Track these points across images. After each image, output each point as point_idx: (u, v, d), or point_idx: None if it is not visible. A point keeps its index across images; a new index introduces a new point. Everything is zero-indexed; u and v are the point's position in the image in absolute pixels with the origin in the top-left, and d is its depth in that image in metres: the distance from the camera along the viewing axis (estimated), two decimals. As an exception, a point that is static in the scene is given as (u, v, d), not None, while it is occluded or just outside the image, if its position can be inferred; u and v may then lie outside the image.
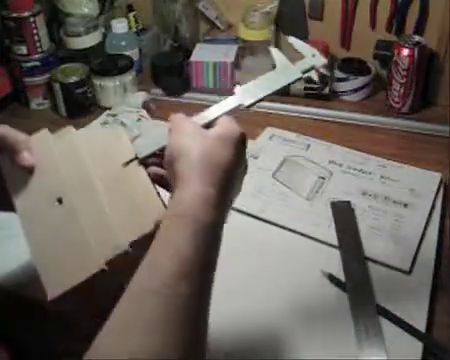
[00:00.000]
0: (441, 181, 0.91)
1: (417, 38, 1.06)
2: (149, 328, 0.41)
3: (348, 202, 0.87)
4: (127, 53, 1.18)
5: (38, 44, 1.12)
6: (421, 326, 0.69)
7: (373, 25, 1.14)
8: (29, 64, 1.12)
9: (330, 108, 1.12)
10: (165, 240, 0.46)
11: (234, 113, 0.57)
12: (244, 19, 1.17)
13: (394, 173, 0.93)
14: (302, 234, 0.82)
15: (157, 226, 0.50)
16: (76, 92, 1.11)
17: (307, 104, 1.12)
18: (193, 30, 1.27)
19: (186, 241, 0.45)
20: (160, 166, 0.54)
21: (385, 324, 0.69)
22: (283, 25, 1.21)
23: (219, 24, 1.26)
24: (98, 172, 0.54)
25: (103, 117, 1.06)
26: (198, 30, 1.29)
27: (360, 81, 1.13)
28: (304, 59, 0.63)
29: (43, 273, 0.50)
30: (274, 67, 0.62)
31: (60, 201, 0.53)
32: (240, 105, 0.58)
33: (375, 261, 0.78)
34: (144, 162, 0.55)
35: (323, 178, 0.92)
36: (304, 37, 1.17)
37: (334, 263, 0.77)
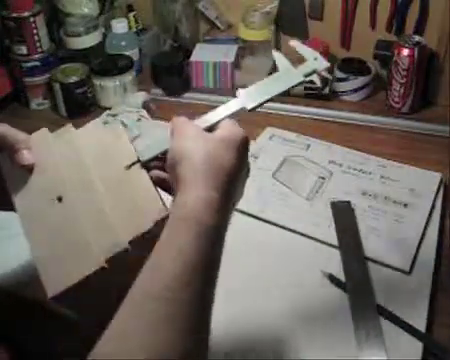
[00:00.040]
0: (441, 181, 0.91)
1: (417, 38, 1.06)
2: (150, 329, 0.41)
3: (348, 202, 0.87)
4: (127, 53, 1.18)
5: (38, 44, 1.12)
6: (421, 326, 0.69)
7: (373, 25, 1.14)
8: (29, 64, 1.12)
9: (330, 108, 1.12)
10: (168, 243, 0.46)
11: (237, 116, 0.57)
12: (244, 19, 1.17)
13: (394, 173, 0.93)
14: (302, 234, 0.83)
15: (156, 225, 0.50)
16: (76, 92, 1.11)
17: (307, 104, 1.12)
18: (193, 30, 1.27)
19: (189, 244, 0.45)
20: (162, 169, 0.54)
21: (385, 324, 0.69)
22: (283, 25, 1.21)
23: (219, 24, 1.26)
24: (98, 171, 0.54)
25: (103, 117, 1.06)
26: (198, 30, 1.29)
27: (360, 81, 1.13)
28: (306, 62, 0.63)
29: (43, 271, 0.50)
30: (274, 68, 0.62)
31: (60, 199, 0.53)
32: (242, 108, 0.58)
33: (375, 261, 0.78)
34: (146, 165, 0.55)
35: (323, 178, 0.92)
36: (304, 37, 1.17)
37: (334, 263, 0.77)
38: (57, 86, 1.10)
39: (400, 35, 1.11)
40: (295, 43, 0.66)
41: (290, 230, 0.83)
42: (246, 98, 0.58)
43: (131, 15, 1.26)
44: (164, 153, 0.54)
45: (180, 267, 0.44)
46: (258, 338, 0.68)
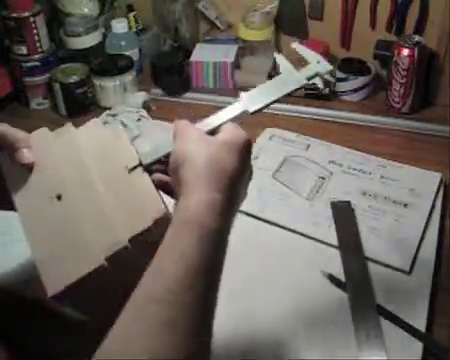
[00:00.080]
0: (441, 181, 0.91)
1: (417, 38, 1.06)
2: (153, 332, 0.41)
3: (348, 202, 0.87)
4: (127, 53, 1.18)
5: (38, 44, 1.11)
6: (421, 326, 0.69)
7: (373, 25, 1.14)
8: (29, 64, 1.12)
9: (330, 108, 1.12)
10: (170, 246, 0.46)
11: (239, 119, 0.57)
12: (244, 19, 1.17)
13: (394, 173, 0.93)
14: (302, 234, 0.82)
15: (156, 224, 0.50)
16: (76, 92, 1.11)
17: (307, 104, 1.12)
18: (193, 30, 1.27)
19: (191, 247, 0.45)
20: (164, 173, 0.54)
21: (385, 324, 0.69)
22: (283, 25, 1.21)
23: (219, 24, 1.26)
24: (98, 171, 0.55)
25: (103, 117, 1.06)
26: (198, 30, 1.29)
27: (360, 81, 1.13)
28: (309, 65, 0.62)
29: (43, 270, 0.50)
30: (274, 68, 0.62)
31: (59, 198, 0.53)
32: (245, 111, 0.58)
33: (375, 261, 0.78)
34: (148, 169, 0.55)
35: (323, 178, 0.92)
36: (304, 37, 1.17)
37: (334, 263, 0.77)
38: (57, 86, 1.10)
39: (400, 35, 1.11)
40: (297, 46, 0.66)
41: (290, 230, 0.83)
42: (248, 101, 0.58)
43: (131, 15, 1.26)
44: (166, 156, 0.54)
45: (182, 270, 0.44)
46: (258, 338, 0.68)
